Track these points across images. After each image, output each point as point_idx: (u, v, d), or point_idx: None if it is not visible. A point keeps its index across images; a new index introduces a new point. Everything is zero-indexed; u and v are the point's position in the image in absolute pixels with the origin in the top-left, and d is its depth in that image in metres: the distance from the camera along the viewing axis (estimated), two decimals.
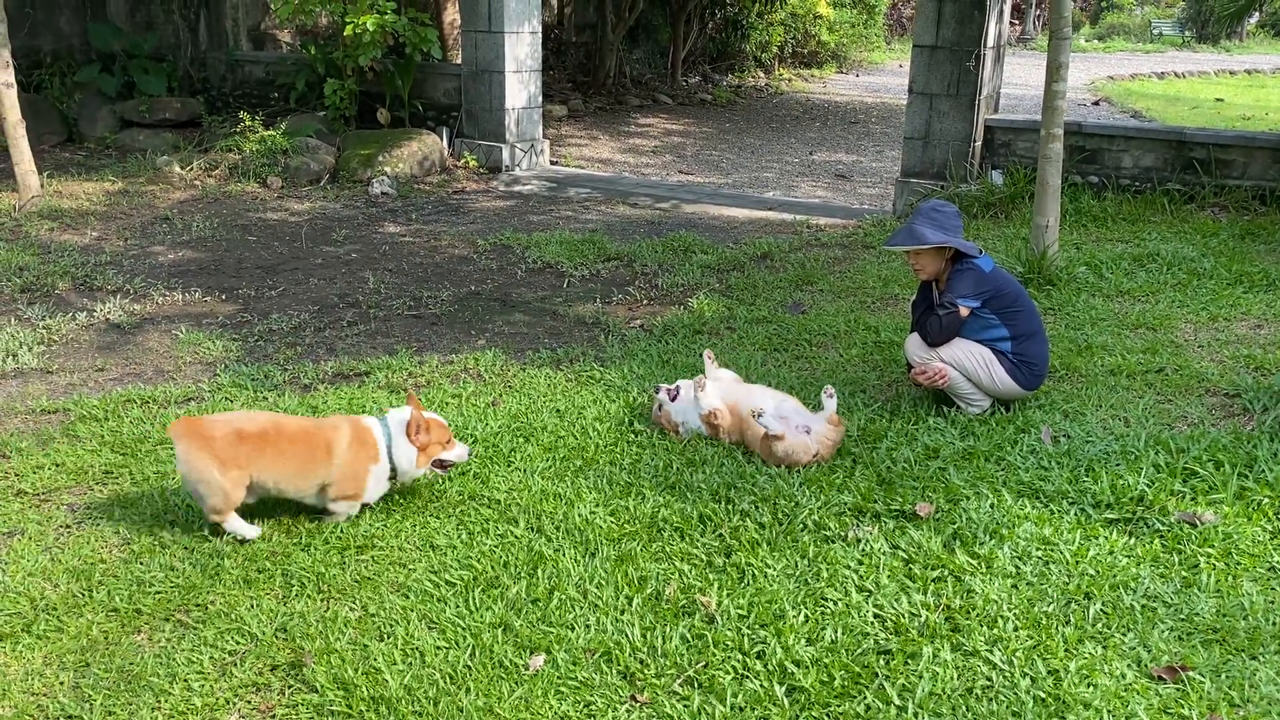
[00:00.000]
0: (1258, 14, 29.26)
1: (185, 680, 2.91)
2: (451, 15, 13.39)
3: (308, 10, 10.71)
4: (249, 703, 2.85)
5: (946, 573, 3.35)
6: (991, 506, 3.73)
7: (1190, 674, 2.87)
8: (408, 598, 3.28)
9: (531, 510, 3.79)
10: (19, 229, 8.20)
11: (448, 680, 2.90)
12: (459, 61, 11.57)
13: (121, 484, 4.02)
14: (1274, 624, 3.09)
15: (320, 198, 9.75)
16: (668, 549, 3.53)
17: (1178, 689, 2.83)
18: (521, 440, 4.40)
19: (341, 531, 3.65)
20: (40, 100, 11.87)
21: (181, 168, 10.37)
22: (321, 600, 3.27)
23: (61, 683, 2.91)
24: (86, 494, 3.96)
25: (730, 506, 3.77)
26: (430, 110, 11.58)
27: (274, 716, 2.79)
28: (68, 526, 3.74)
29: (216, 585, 3.33)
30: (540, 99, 11.29)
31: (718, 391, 4.43)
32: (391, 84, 11.23)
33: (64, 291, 6.72)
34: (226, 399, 4.90)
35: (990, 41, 8.47)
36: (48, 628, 3.13)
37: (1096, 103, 17.96)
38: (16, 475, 4.09)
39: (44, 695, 2.87)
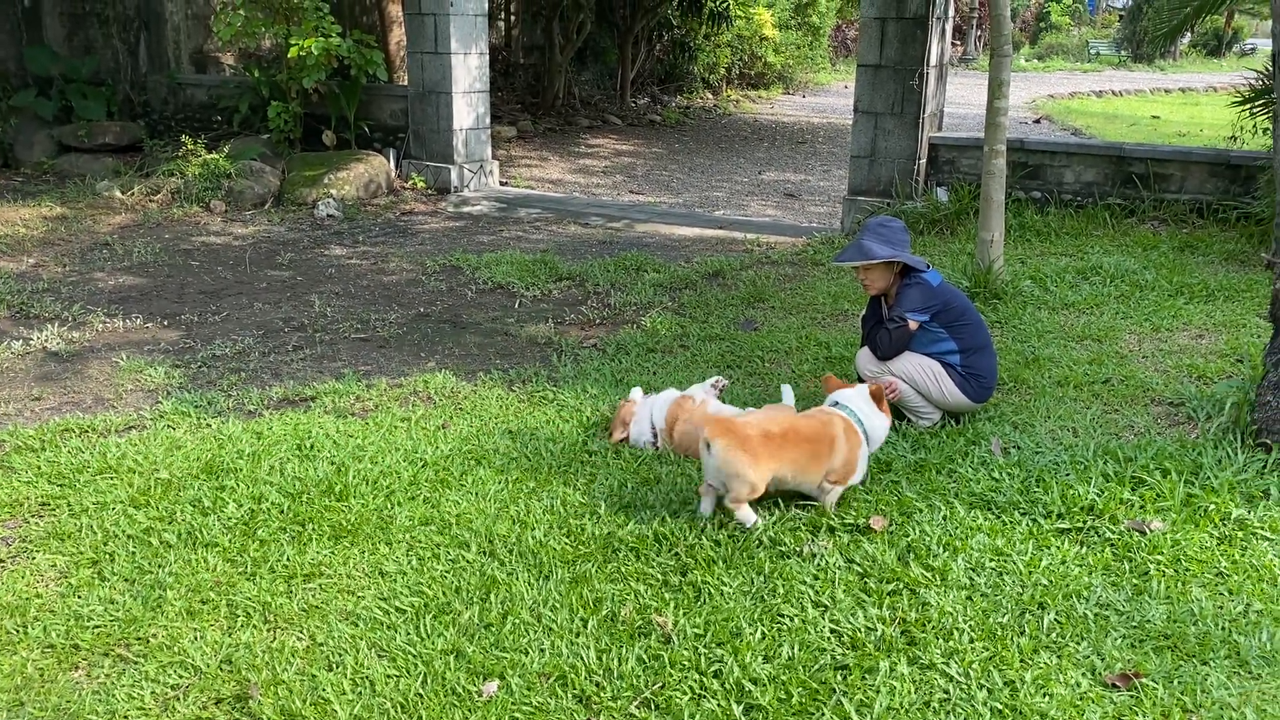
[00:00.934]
0: (1189, 34, 30.09)
1: (125, 716, 2.81)
2: (398, 37, 13.31)
3: (250, 33, 10.59)
4: None
5: (901, 586, 3.35)
6: (944, 519, 3.74)
7: (1143, 681, 2.88)
8: (357, 626, 3.20)
9: (484, 534, 3.73)
10: None
11: (398, 709, 2.83)
12: (405, 83, 11.50)
13: (59, 516, 3.90)
14: (1223, 629, 3.12)
15: (265, 221, 9.62)
16: (623, 569, 3.49)
17: (1131, 696, 2.84)
18: (473, 463, 4.34)
19: (288, 559, 3.56)
20: None
21: (122, 192, 10.19)
22: (268, 630, 3.19)
23: None
24: (22, 526, 3.84)
25: (686, 525, 3.74)
26: (377, 132, 11.49)
27: None
28: (1, 561, 3.61)
29: (158, 618, 3.23)
30: (489, 120, 11.26)
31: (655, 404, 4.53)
32: (337, 106, 11.13)
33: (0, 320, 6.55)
34: (169, 426, 4.78)
35: (933, 61, 8.60)
36: None
37: (1038, 120, 18.31)
38: None
39: None
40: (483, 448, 4.49)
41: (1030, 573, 3.41)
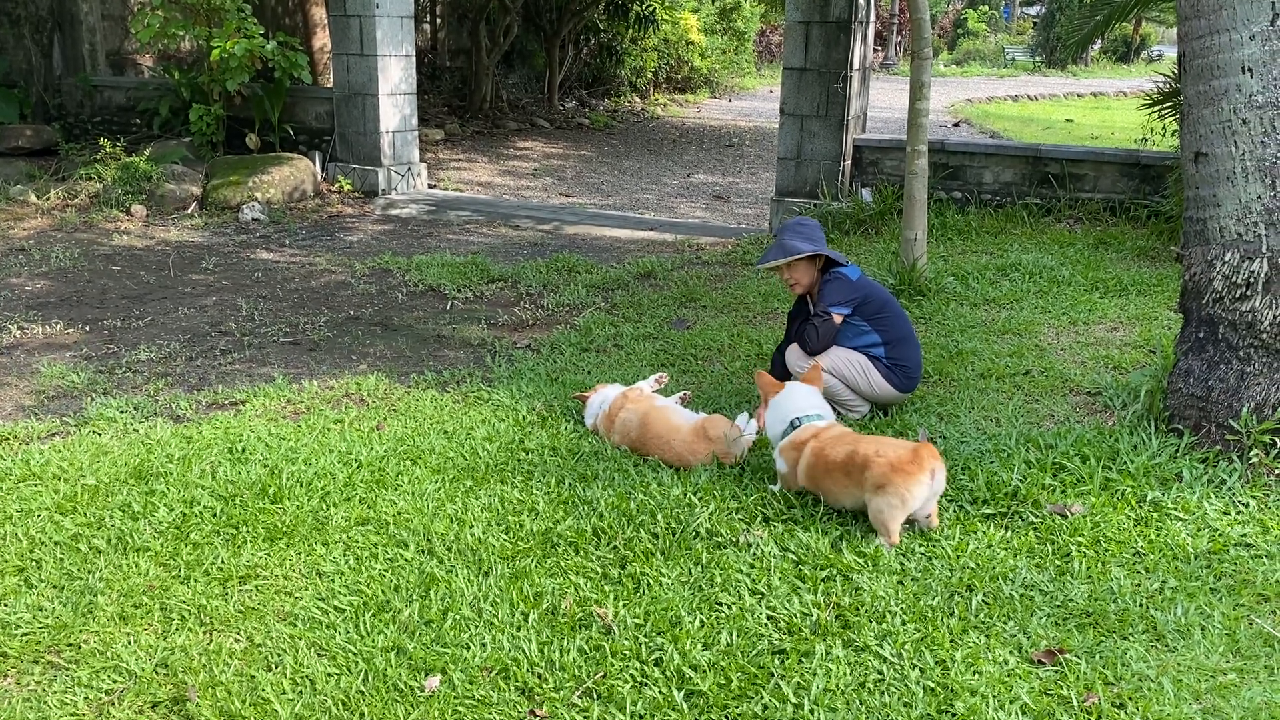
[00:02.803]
0: (1100, 41, 31.04)
1: None
2: (322, 40, 13.17)
3: (170, 34, 10.39)
4: None
5: (835, 572, 3.43)
6: None
7: (1067, 656, 3.00)
8: (295, 626, 3.18)
9: (422, 532, 3.73)
10: None
11: (340, 707, 2.82)
12: (330, 85, 11.37)
13: None
14: (1141, 605, 3.25)
15: (188, 225, 9.44)
16: (563, 564, 3.52)
17: (1056, 671, 2.95)
18: (409, 463, 4.33)
19: (222, 562, 3.52)
20: None
21: (38, 197, 9.91)
22: (204, 633, 3.15)
23: None
24: None
25: (624, 519, 3.78)
26: (302, 134, 11.34)
27: None
28: None
29: (90, 623, 3.17)
30: (416, 122, 11.18)
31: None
32: (261, 109, 10.96)
33: None
34: (95, 432, 4.68)
35: (856, 64, 8.77)
36: None
37: (957, 124, 18.74)
38: None
39: None
40: (418, 448, 4.48)
41: (958, 557, 3.52)
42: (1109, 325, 6.17)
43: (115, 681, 2.92)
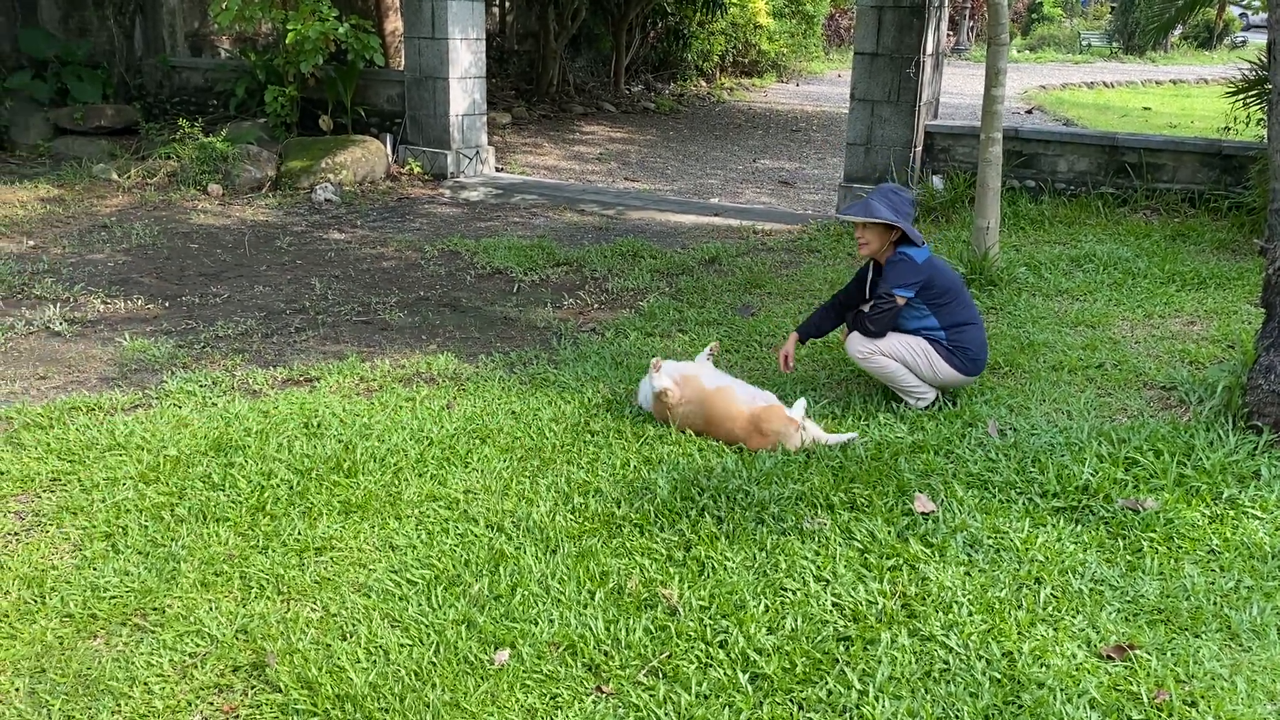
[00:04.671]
0: (1181, 27, 30.20)
1: (145, 683, 2.87)
2: (394, 24, 13.30)
3: (248, 17, 10.59)
4: (211, 704, 2.82)
5: (901, 562, 3.43)
6: (943, 498, 3.81)
7: (1137, 652, 2.97)
8: (369, 597, 3.27)
9: (491, 510, 3.80)
10: None
11: (413, 677, 2.90)
12: (402, 68, 11.51)
13: (70, 490, 3.95)
14: (1214, 604, 3.21)
15: (263, 205, 9.64)
16: (628, 545, 3.56)
17: (1126, 667, 2.92)
18: (478, 442, 4.40)
19: (299, 533, 3.62)
20: None
21: (119, 175, 10.19)
22: (282, 601, 3.25)
23: (17, 689, 2.85)
24: (34, 501, 3.89)
25: (688, 502, 3.81)
26: (373, 117, 11.50)
27: (238, 717, 2.77)
28: (16, 534, 3.66)
29: (173, 589, 3.29)
30: (484, 105, 11.28)
31: (674, 371, 4.59)
32: (334, 90, 11.13)
33: (0, 300, 6.57)
34: (175, 405, 4.83)
35: (929, 49, 8.65)
36: (0, 635, 3.07)
37: (1030, 111, 18.38)
38: None
39: None
40: (487, 427, 4.55)
41: (1027, 549, 3.50)
42: (1186, 319, 6.04)
43: (198, 645, 3.03)
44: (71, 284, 6.92)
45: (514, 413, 4.75)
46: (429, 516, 3.76)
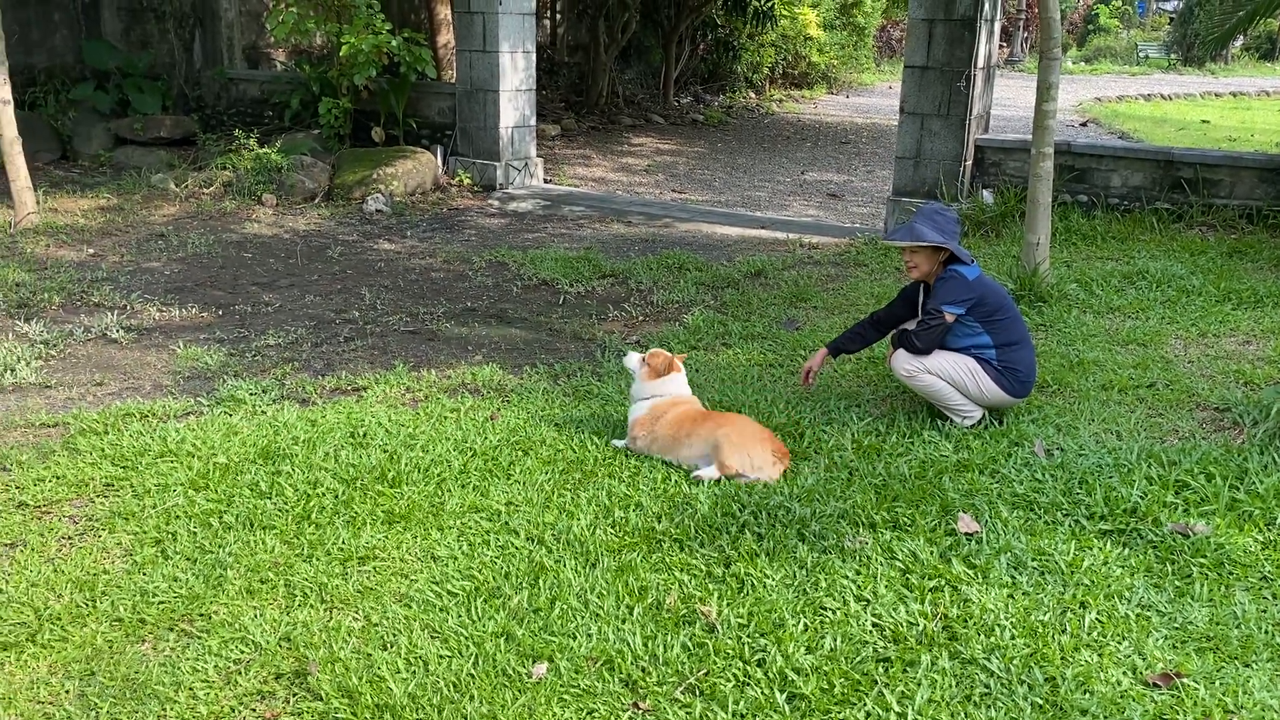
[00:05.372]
0: (1242, 38, 29.66)
1: (190, 689, 2.93)
2: (446, 37, 13.47)
3: (303, 30, 10.78)
4: (254, 710, 2.87)
5: (943, 582, 3.39)
6: (987, 518, 3.77)
7: (1185, 681, 2.91)
8: (410, 607, 3.30)
9: (532, 522, 3.82)
10: (14, 246, 8.22)
11: (451, 688, 2.92)
12: (453, 81, 11.64)
13: (123, 496, 4.04)
14: (1266, 632, 3.14)
15: (315, 215, 9.80)
16: (667, 560, 3.56)
17: (1173, 695, 2.86)
18: (520, 453, 4.43)
19: (343, 542, 3.67)
20: (35, 118, 11.90)
21: (176, 185, 10.41)
22: (324, 610, 3.30)
23: (67, 691, 2.92)
24: (88, 506, 3.98)
25: (729, 518, 3.81)
26: (424, 129, 11.64)
27: None
28: (69, 538, 3.75)
29: (220, 595, 3.35)
30: (534, 118, 11.37)
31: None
32: (386, 103, 11.29)
33: (60, 307, 6.74)
34: (226, 413, 4.92)
35: (980, 62, 8.58)
36: (52, 637, 3.15)
37: (1084, 124, 18.14)
38: (18, 488, 4.11)
39: (49, 704, 2.88)
40: (530, 439, 4.58)
41: (1072, 572, 3.44)
42: (1241, 338, 5.92)
43: (242, 652, 3.08)
44: (128, 292, 7.08)
45: (557, 425, 4.78)
46: (470, 528, 3.79)
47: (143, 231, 8.93)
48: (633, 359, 4.65)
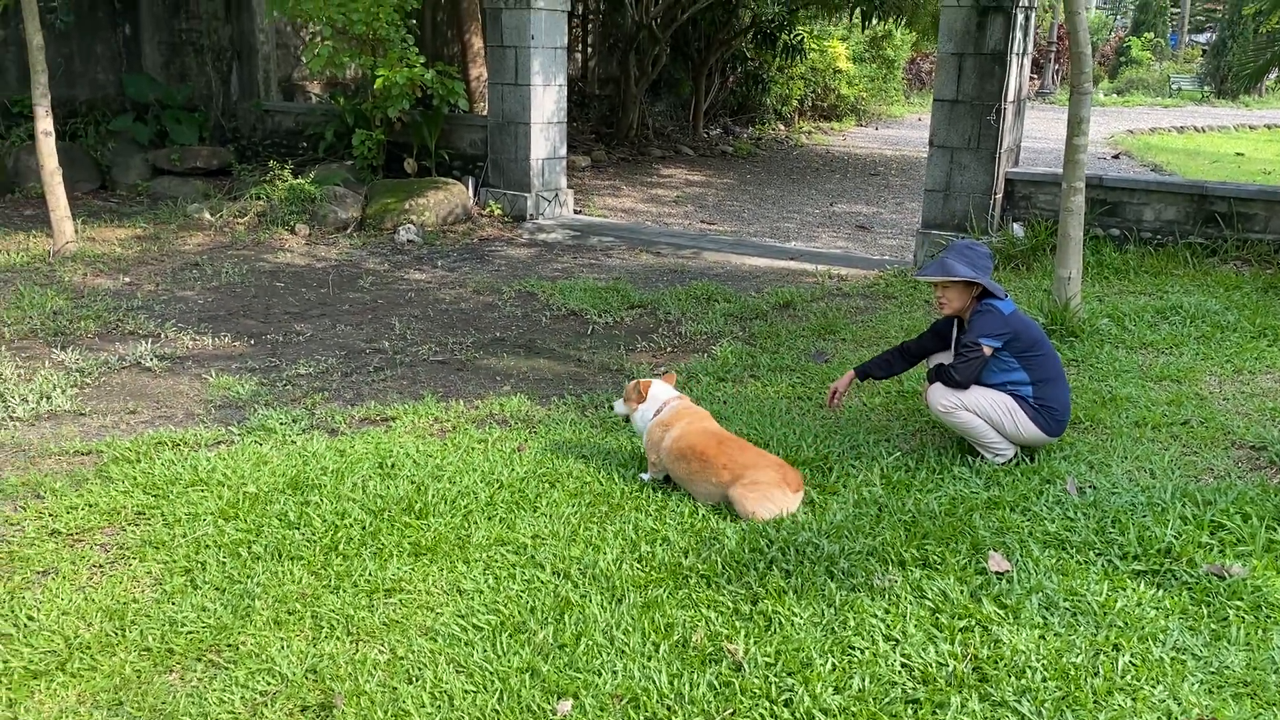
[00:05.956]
0: (1277, 70, 29.45)
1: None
2: (478, 70, 13.63)
3: (338, 63, 10.94)
4: None
5: (974, 622, 3.35)
6: (1018, 557, 3.72)
7: None
8: (436, 641, 3.30)
9: (558, 556, 3.81)
10: (53, 274, 8.36)
11: None
12: (485, 113, 11.77)
13: (153, 525, 4.07)
14: None
15: (347, 245, 9.90)
16: (694, 596, 3.54)
17: None
18: (548, 486, 4.43)
19: (370, 574, 3.68)
20: (75, 148, 12.13)
21: (211, 215, 10.56)
22: (351, 642, 3.30)
23: None
24: (119, 534, 4.02)
25: (756, 554, 3.78)
26: (456, 160, 11.76)
27: None
28: (100, 566, 3.78)
29: (247, 626, 3.36)
30: (564, 149, 11.46)
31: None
32: (419, 135, 11.42)
33: (96, 335, 6.84)
34: (256, 442, 4.95)
35: (1011, 96, 8.57)
36: (81, 666, 3.17)
37: (1116, 156, 18.05)
38: (51, 515, 4.15)
39: None
40: (557, 471, 4.58)
41: (1105, 614, 3.39)
42: (1277, 375, 5.84)
43: (269, 684, 3.09)
44: (163, 320, 7.17)
45: (584, 457, 4.77)
46: (497, 561, 3.79)
47: (178, 260, 9.05)
48: (618, 405, 4.78)
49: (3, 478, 4.55)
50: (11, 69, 12.26)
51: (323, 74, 12.64)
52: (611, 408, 4.98)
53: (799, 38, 19.21)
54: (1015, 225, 8.86)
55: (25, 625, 3.37)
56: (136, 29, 13.31)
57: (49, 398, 5.56)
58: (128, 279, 8.37)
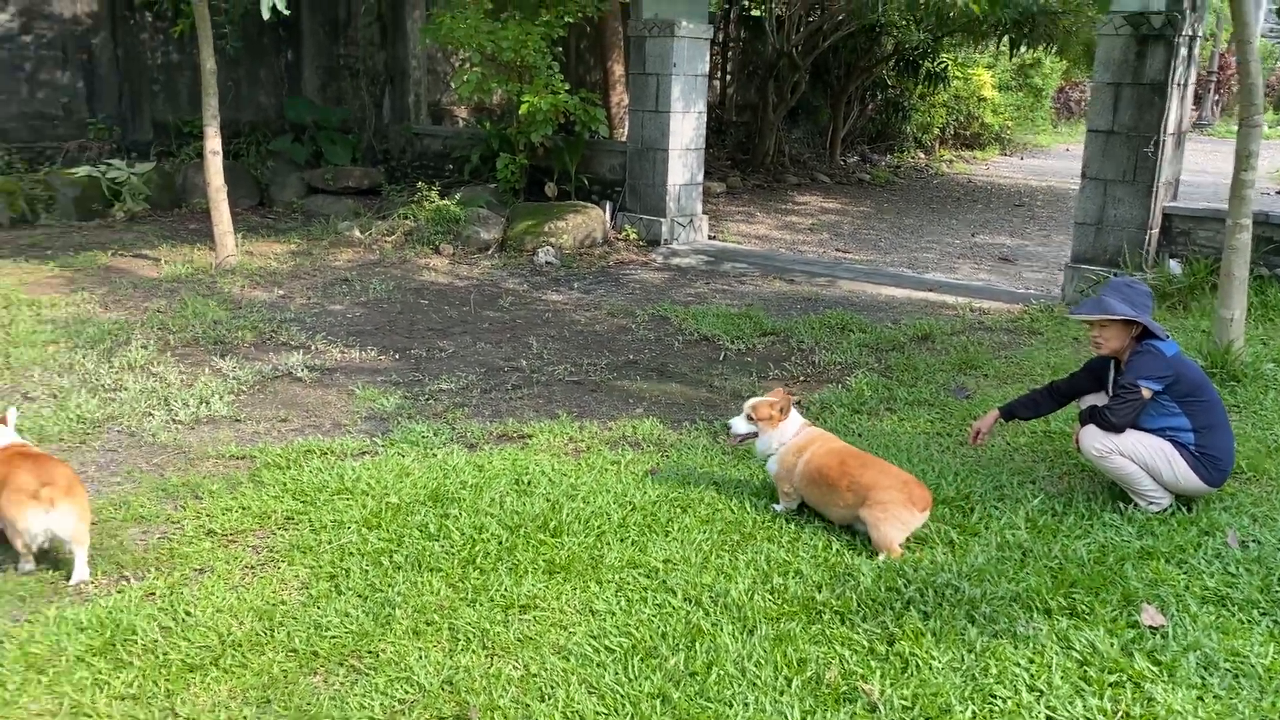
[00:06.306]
0: None
1: None
2: (618, 96, 13.85)
3: (486, 89, 11.27)
4: None
5: (1125, 678, 3.19)
6: (1174, 612, 3.53)
7: None
8: (569, 660, 3.32)
9: (689, 582, 3.80)
10: (215, 285, 8.82)
11: None
12: (624, 138, 11.93)
13: (301, 530, 4.23)
14: None
15: (488, 265, 10.15)
16: (828, 632, 3.48)
17: None
18: (679, 510, 4.43)
19: (505, 589, 3.73)
20: (238, 167, 12.79)
21: (361, 232, 10.98)
22: (486, 656, 3.35)
23: (244, 716, 3.06)
24: (269, 537, 4.19)
25: (893, 593, 3.69)
26: (595, 184, 11.94)
27: None
28: (252, 567, 3.95)
29: (388, 634, 3.45)
30: (701, 176, 11.51)
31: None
32: (560, 159, 11.65)
33: (252, 344, 7.17)
34: (399, 454, 5.10)
35: (1170, 128, 8.22)
36: (233, 663, 3.31)
37: None
38: (208, 516, 4.36)
39: None
40: (688, 496, 4.57)
41: (1270, 678, 3.18)
42: None
43: (407, 692, 3.16)
44: (313, 332, 7.47)
45: (716, 483, 4.75)
46: (629, 583, 3.80)
47: (328, 275, 9.44)
48: (739, 424, 4.62)
49: (166, 477, 4.80)
50: (184, 92, 13.04)
51: (470, 99, 13.03)
52: (727, 427, 4.85)
53: (942, 65, 18.88)
54: (1172, 262, 8.46)
55: (184, 620, 3.54)
56: (299, 54, 14.00)
57: (208, 403, 5.85)
58: (282, 292, 8.77)
